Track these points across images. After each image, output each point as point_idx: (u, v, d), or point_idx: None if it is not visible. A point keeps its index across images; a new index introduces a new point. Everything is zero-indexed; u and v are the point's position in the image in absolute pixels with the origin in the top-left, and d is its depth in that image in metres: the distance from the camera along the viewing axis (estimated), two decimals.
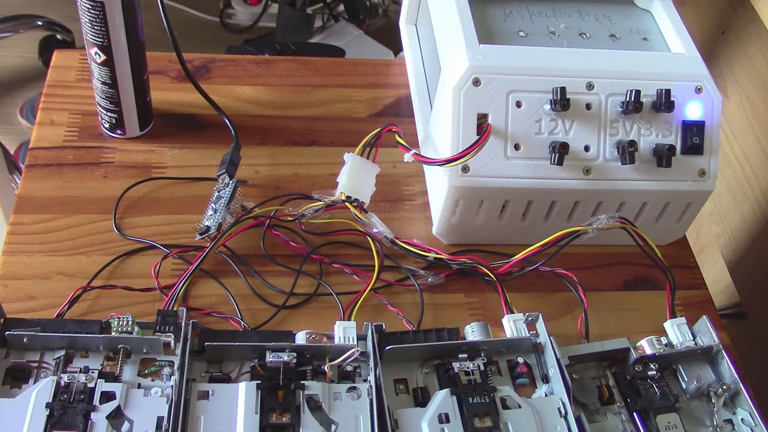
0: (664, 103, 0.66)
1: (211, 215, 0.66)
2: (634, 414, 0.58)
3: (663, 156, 0.66)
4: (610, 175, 0.67)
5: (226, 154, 0.72)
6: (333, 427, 0.53)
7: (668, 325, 0.63)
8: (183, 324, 0.56)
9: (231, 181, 0.69)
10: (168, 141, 0.77)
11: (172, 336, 0.56)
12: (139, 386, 0.55)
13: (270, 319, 0.64)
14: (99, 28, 0.67)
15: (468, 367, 0.58)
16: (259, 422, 0.52)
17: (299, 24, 1.89)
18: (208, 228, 0.65)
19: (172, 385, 0.54)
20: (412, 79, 0.84)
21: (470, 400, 0.55)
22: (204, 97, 0.76)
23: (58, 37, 1.86)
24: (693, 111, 0.67)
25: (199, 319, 0.63)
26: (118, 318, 0.57)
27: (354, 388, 0.56)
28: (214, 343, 0.56)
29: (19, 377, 0.55)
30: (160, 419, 0.52)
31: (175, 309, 0.60)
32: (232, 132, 0.75)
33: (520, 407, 0.56)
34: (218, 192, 0.68)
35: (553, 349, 0.58)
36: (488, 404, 0.55)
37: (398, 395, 0.58)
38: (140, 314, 0.60)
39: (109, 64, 0.69)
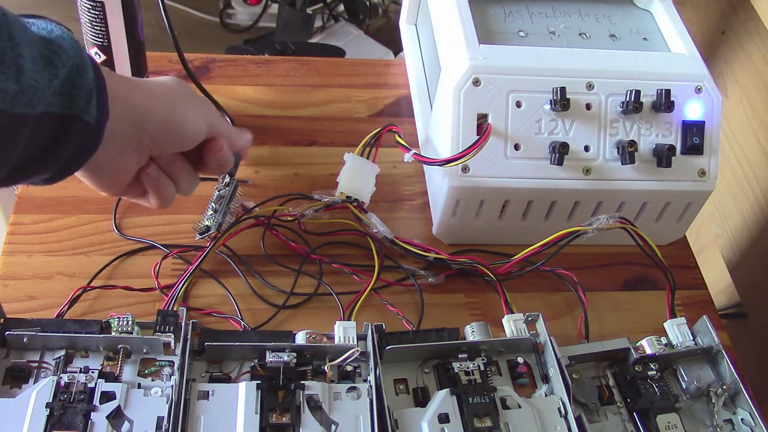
0: (664, 103, 0.66)
1: (211, 215, 0.66)
2: (634, 414, 0.58)
3: (663, 156, 0.66)
4: (610, 175, 0.67)
5: None
6: (333, 427, 0.53)
7: (668, 325, 0.63)
8: (183, 324, 0.56)
9: (231, 181, 0.69)
10: None
11: (172, 336, 0.56)
12: (139, 386, 0.55)
13: (270, 319, 0.64)
14: (99, 28, 0.67)
15: (468, 367, 0.58)
16: (259, 422, 0.52)
17: (299, 24, 1.89)
18: (208, 228, 0.65)
19: (172, 385, 0.54)
20: (412, 79, 0.84)
21: (470, 400, 0.55)
22: (204, 94, 0.76)
23: None
24: (693, 111, 0.67)
25: (199, 319, 0.63)
26: (118, 318, 0.57)
27: (354, 388, 0.56)
28: (214, 343, 0.56)
29: (19, 377, 0.55)
30: (160, 419, 0.52)
31: (175, 309, 0.60)
32: None
33: (520, 407, 0.56)
34: (218, 191, 0.68)
35: (553, 349, 0.58)
36: (488, 404, 0.55)
37: (398, 395, 0.58)
38: (140, 314, 0.60)
39: (109, 64, 0.70)
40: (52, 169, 0.47)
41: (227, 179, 0.69)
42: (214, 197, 0.68)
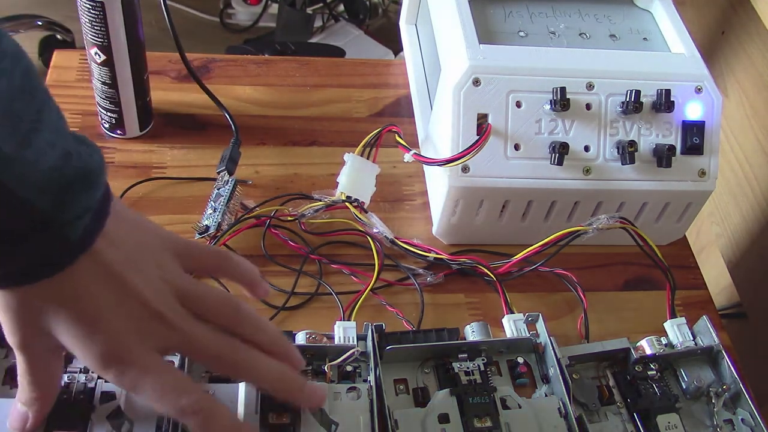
0: (664, 103, 0.66)
1: (210, 214, 0.66)
2: (634, 414, 0.58)
3: (663, 156, 0.66)
4: (610, 175, 0.67)
5: (226, 150, 0.72)
6: (333, 427, 0.53)
7: (668, 325, 0.63)
8: None
9: (230, 179, 0.69)
10: (168, 141, 0.77)
11: None
12: None
13: (270, 319, 0.64)
14: (99, 28, 0.67)
15: (468, 367, 0.58)
16: (259, 422, 0.52)
17: (299, 24, 1.89)
18: (207, 227, 0.65)
19: None
20: (412, 79, 0.84)
21: (470, 400, 0.55)
22: (203, 89, 0.76)
23: (58, 37, 1.85)
24: (693, 111, 0.67)
25: None
26: None
27: (354, 388, 0.56)
28: None
29: None
30: (160, 419, 0.52)
31: None
32: (232, 127, 0.75)
33: (520, 407, 0.56)
34: (218, 189, 0.68)
35: (553, 349, 0.58)
36: (488, 404, 0.55)
37: (398, 395, 0.58)
38: None
39: (109, 64, 0.69)
40: (3, 266, 0.40)
41: (226, 177, 0.69)
42: (213, 195, 0.68)
